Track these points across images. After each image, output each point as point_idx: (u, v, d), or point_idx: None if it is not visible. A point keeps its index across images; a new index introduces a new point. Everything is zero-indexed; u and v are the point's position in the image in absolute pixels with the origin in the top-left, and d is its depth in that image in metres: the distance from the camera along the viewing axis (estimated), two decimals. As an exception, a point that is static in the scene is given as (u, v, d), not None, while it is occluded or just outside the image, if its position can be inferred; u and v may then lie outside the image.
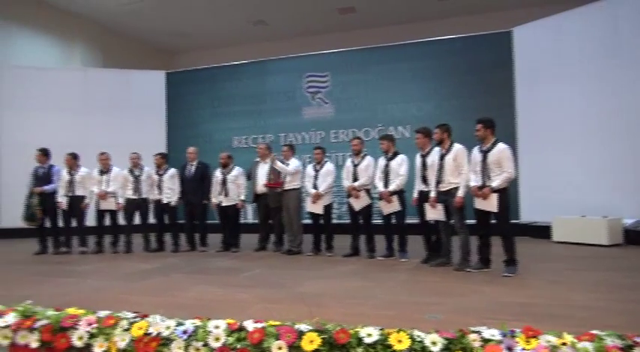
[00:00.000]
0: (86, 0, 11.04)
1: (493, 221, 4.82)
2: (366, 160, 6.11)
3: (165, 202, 7.14)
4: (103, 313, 2.39)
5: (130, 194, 7.14)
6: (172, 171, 7.25)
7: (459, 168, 4.99)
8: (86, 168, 7.25)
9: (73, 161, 7.15)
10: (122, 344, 2.19)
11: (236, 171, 7.15)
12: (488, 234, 4.88)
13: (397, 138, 8.94)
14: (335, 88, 9.96)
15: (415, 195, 5.56)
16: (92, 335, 2.27)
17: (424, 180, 5.38)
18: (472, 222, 4.98)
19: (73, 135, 9.99)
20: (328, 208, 6.41)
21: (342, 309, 3.44)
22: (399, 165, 5.77)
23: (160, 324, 2.22)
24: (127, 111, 10.81)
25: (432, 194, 5.18)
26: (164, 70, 11.64)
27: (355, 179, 6.06)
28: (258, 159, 7.19)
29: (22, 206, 7.05)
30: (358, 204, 6.04)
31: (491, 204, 4.67)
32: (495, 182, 4.66)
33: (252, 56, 11.38)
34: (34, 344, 2.33)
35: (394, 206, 5.72)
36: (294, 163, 6.70)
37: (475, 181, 4.82)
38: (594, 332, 1.83)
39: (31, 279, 5.15)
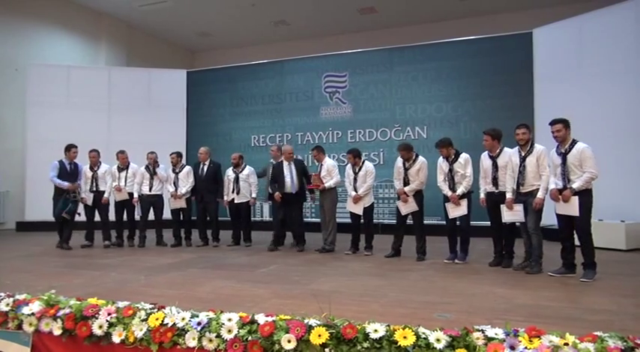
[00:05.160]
0: None
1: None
2: (417, 164, 5.83)
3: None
4: (122, 304, 2.50)
5: (145, 190, 7.37)
6: (187, 168, 7.52)
7: (541, 169, 4.85)
8: (106, 165, 7.47)
9: (97, 158, 7.34)
10: (139, 334, 2.29)
11: (247, 170, 7.42)
12: (571, 239, 4.73)
13: (414, 139, 9.10)
14: (353, 88, 9.99)
15: (482, 195, 5.45)
16: (111, 325, 2.38)
17: (494, 181, 5.25)
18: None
19: (96, 132, 10.27)
20: (368, 209, 6.31)
21: (354, 307, 3.50)
22: (464, 166, 5.53)
23: (175, 316, 2.32)
24: (149, 109, 11.03)
25: (509, 195, 5.02)
26: (185, 69, 11.83)
27: (406, 182, 5.88)
28: (272, 161, 7.29)
29: (61, 202, 6.92)
30: (405, 208, 5.88)
31: (573, 208, 4.50)
32: (576, 183, 4.47)
33: (272, 56, 11.50)
34: (57, 332, 2.45)
35: (462, 209, 5.50)
36: (328, 163, 6.80)
37: (555, 184, 4.67)
38: (597, 333, 1.85)
39: (56, 271, 5.35)
